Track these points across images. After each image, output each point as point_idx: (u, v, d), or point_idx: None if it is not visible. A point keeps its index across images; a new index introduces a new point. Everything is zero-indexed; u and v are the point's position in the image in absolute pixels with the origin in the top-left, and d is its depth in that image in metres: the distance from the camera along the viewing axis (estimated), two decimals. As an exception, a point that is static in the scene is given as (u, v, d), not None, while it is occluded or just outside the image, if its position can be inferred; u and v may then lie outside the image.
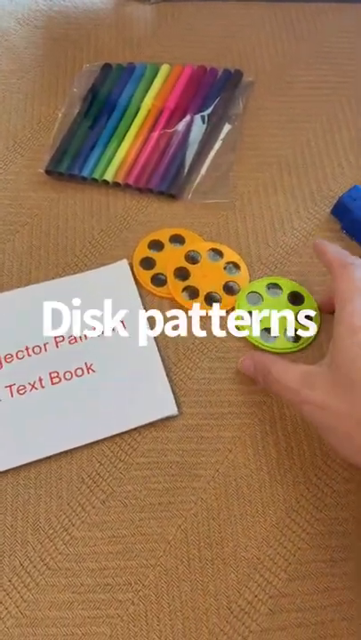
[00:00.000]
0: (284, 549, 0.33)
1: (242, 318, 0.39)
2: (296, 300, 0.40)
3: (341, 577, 0.32)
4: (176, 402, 0.37)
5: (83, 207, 0.45)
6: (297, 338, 0.39)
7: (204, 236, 0.43)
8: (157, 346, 0.39)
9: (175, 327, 0.40)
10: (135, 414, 0.36)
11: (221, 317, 0.40)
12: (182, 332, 0.39)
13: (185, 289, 0.41)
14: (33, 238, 0.43)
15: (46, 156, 0.46)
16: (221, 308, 0.40)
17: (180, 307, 0.40)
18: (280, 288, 0.41)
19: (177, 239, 0.43)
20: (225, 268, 0.42)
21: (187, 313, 0.40)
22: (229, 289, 0.41)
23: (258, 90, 0.51)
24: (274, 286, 0.41)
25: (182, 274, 0.41)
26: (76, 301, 0.40)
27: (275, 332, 0.39)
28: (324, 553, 0.32)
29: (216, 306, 0.40)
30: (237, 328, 0.39)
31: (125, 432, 0.36)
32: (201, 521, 0.33)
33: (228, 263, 0.42)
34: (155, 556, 0.32)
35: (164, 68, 0.51)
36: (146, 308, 0.40)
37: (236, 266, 0.42)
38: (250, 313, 0.39)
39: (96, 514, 0.34)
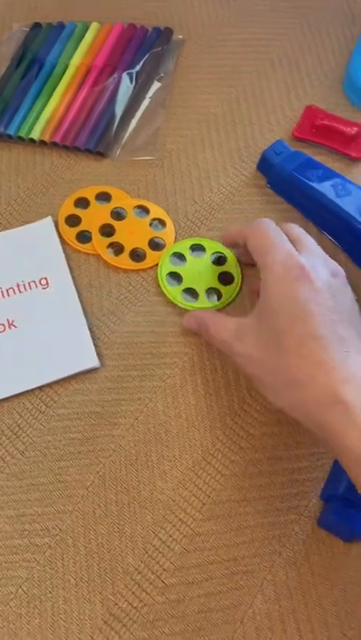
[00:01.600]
0: (199, 491, 0.33)
1: (165, 279, 0.39)
2: (219, 260, 0.41)
3: (254, 515, 0.33)
4: (99, 355, 0.37)
5: (9, 165, 0.44)
6: (219, 296, 0.39)
7: (132, 194, 0.43)
8: (81, 301, 0.39)
9: (100, 283, 0.40)
10: (56, 367, 0.36)
11: (146, 273, 0.40)
12: (106, 287, 0.40)
13: (110, 245, 0.41)
14: None
15: (-28, 115, 0.46)
16: (146, 264, 0.40)
17: (105, 263, 0.40)
18: (204, 249, 0.41)
19: (103, 197, 0.43)
20: (151, 225, 0.42)
21: (111, 269, 0.40)
22: (155, 245, 0.41)
23: (189, 48, 0.51)
24: (198, 247, 0.41)
25: (108, 230, 0.41)
26: None
27: (196, 291, 0.39)
28: (237, 493, 0.33)
29: (141, 262, 0.40)
30: (161, 289, 0.39)
31: (47, 385, 0.36)
32: (119, 467, 0.34)
33: (153, 220, 0.42)
34: (72, 502, 0.33)
35: (94, 27, 0.50)
36: (70, 265, 0.40)
37: (162, 222, 0.42)
38: (173, 273, 0.40)
39: (15, 464, 0.34)
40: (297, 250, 0.33)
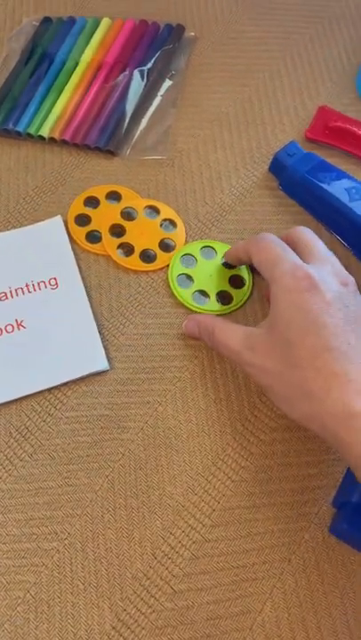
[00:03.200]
0: (208, 496, 0.33)
1: (176, 280, 0.39)
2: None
3: (264, 522, 0.33)
4: (108, 357, 0.37)
5: (17, 163, 0.44)
6: (229, 300, 0.39)
7: (142, 194, 0.43)
8: (90, 302, 0.38)
9: (109, 284, 0.39)
10: (65, 369, 0.36)
11: (156, 274, 0.40)
12: (116, 288, 0.39)
13: (120, 246, 0.40)
14: (-35, 194, 0.42)
15: (-19, 111, 0.45)
16: (157, 265, 0.40)
17: (115, 263, 0.40)
18: (215, 251, 0.41)
19: (113, 196, 0.43)
20: (161, 225, 0.41)
21: (121, 269, 0.40)
22: (165, 246, 0.41)
23: (201, 46, 0.50)
24: (208, 249, 0.41)
25: (118, 231, 0.41)
26: (8, 258, 0.39)
27: (207, 294, 0.39)
28: (247, 499, 0.33)
29: (151, 263, 0.40)
30: (172, 290, 0.39)
31: (55, 387, 0.36)
32: (128, 471, 0.34)
33: (164, 220, 0.42)
34: (81, 506, 0.33)
35: (105, 22, 0.49)
36: (80, 265, 0.40)
37: (173, 223, 0.42)
38: (184, 275, 0.39)
39: (23, 467, 0.34)
40: (306, 259, 0.32)
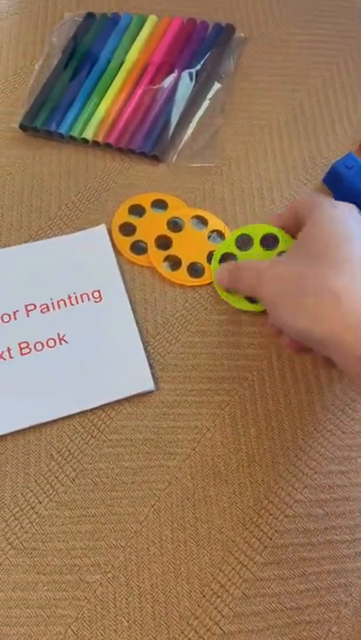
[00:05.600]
0: (260, 532, 0.31)
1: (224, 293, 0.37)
2: (269, 243, 0.38)
3: (319, 561, 0.31)
4: (153, 377, 0.35)
5: (59, 167, 0.42)
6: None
7: (189, 202, 0.41)
8: (135, 318, 0.36)
9: (154, 299, 0.37)
10: (109, 389, 0.34)
11: (203, 290, 0.38)
12: (161, 303, 0.37)
13: (166, 258, 0.38)
14: (5, 199, 0.40)
15: (22, 111, 0.43)
16: (205, 280, 0.38)
17: (161, 277, 0.38)
18: (250, 238, 0.38)
19: (159, 204, 0.41)
20: (209, 237, 0.39)
21: (167, 283, 0.38)
22: (213, 259, 0.39)
23: (251, 47, 0.48)
24: (243, 238, 0.38)
25: (164, 242, 0.39)
26: (50, 268, 0.38)
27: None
28: (301, 536, 0.31)
29: (199, 277, 0.38)
30: (223, 298, 0.37)
31: (98, 407, 0.34)
32: (175, 501, 0.32)
33: (212, 232, 0.40)
34: (125, 537, 0.31)
35: (151, 20, 0.47)
36: (124, 278, 0.38)
37: (221, 235, 0.40)
38: None
39: (65, 492, 0.32)
40: None
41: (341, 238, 0.29)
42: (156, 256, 0.38)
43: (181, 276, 0.38)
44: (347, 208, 0.31)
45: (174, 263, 0.38)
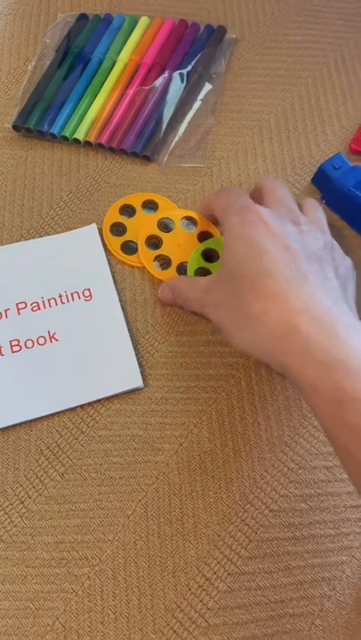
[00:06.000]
0: (245, 526, 0.32)
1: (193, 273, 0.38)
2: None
3: (303, 555, 0.31)
4: (142, 374, 0.35)
5: (51, 167, 0.42)
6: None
7: (179, 203, 0.41)
8: (125, 316, 0.37)
9: (144, 299, 0.38)
10: (99, 386, 0.35)
11: (193, 288, 0.38)
12: (151, 303, 0.38)
13: (156, 258, 0.39)
14: (-3, 198, 0.41)
15: (14, 111, 0.44)
16: (193, 278, 0.38)
17: (151, 276, 0.38)
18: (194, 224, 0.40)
19: (150, 205, 0.41)
20: (199, 238, 0.40)
21: (157, 283, 0.38)
22: (203, 258, 0.39)
23: (242, 48, 0.48)
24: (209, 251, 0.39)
25: (154, 242, 0.40)
26: (41, 267, 0.38)
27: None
28: (286, 530, 0.32)
29: (188, 275, 0.38)
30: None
31: (88, 403, 0.34)
32: (162, 496, 0.32)
33: (202, 232, 0.40)
34: (113, 531, 0.32)
35: (143, 21, 0.48)
36: (114, 277, 0.38)
37: (211, 236, 0.40)
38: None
39: (54, 487, 0.32)
40: (269, 206, 0.33)
41: (251, 256, 0.30)
42: (146, 256, 0.39)
43: (171, 275, 0.38)
44: (249, 216, 0.31)
45: (164, 263, 0.39)
